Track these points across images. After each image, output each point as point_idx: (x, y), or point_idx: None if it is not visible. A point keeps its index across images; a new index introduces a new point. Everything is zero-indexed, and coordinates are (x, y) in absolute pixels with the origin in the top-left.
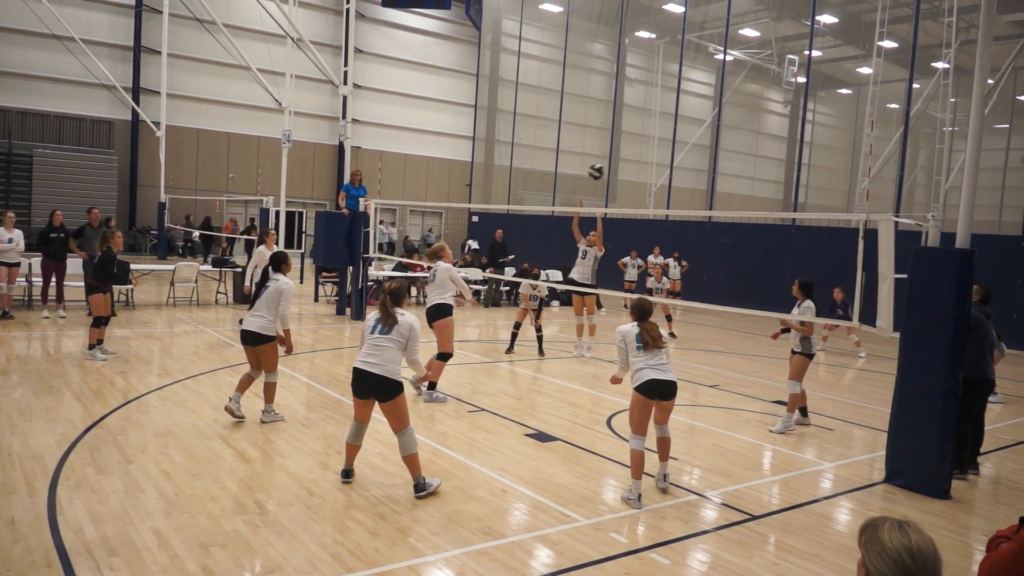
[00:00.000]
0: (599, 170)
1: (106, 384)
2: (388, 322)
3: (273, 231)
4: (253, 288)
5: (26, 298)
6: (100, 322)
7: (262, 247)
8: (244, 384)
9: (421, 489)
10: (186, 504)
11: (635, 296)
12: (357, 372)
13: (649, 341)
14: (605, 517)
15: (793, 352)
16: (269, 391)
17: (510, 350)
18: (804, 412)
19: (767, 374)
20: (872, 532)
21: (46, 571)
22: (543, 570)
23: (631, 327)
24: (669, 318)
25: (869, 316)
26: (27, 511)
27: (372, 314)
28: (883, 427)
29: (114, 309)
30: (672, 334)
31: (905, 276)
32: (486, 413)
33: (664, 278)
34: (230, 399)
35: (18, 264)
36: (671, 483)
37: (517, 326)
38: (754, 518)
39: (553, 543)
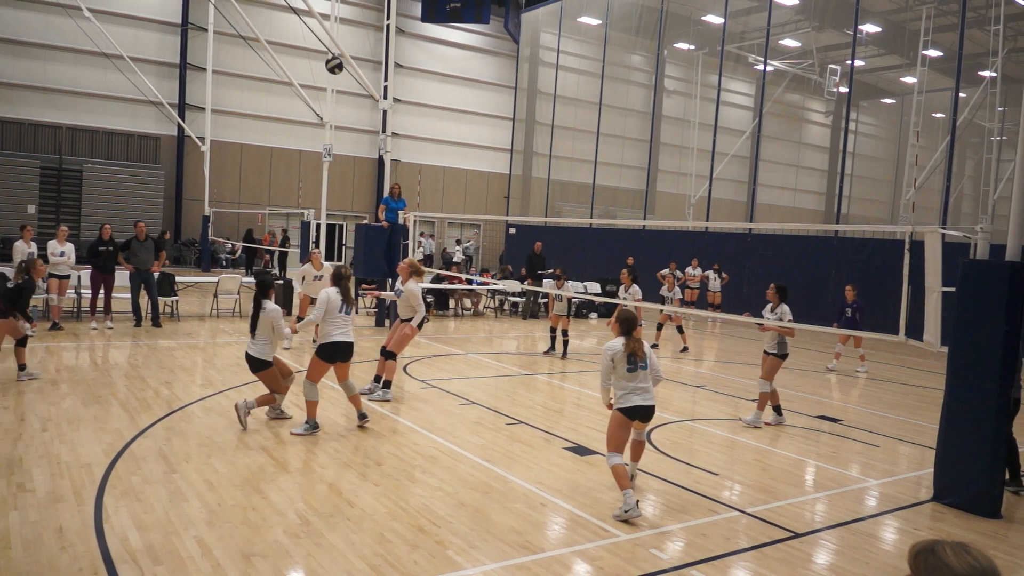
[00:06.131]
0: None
1: (151, 394)
2: (351, 303)
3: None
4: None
5: (75, 310)
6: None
7: (308, 265)
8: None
9: (364, 418)
10: (228, 514)
11: (621, 309)
12: (343, 344)
13: (633, 360)
14: (645, 532)
15: (766, 353)
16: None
17: (550, 351)
18: (778, 411)
19: (810, 388)
20: (932, 558)
21: None
22: None
23: (620, 344)
24: (680, 329)
25: (916, 330)
26: (75, 519)
27: (333, 293)
28: (931, 444)
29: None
30: (685, 348)
31: (953, 289)
32: (524, 425)
33: (676, 288)
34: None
35: (68, 277)
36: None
37: (552, 330)
38: (797, 536)
39: (592, 558)
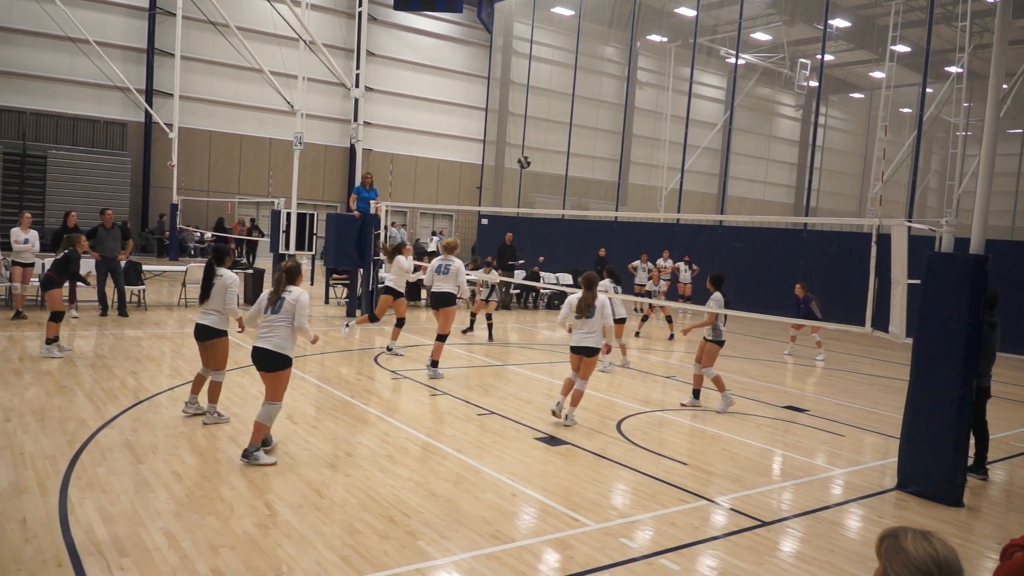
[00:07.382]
0: (526, 160)
1: (117, 384)
2: (278, 300)
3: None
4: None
5: (39, 298)
6: None
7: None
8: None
9: (247, 455)
10: (196, 505)
11: (588, 272)
12: (255, 350)
13: (583, 308)
14: (615, 522)
15: (705, 339)
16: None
17: (468, 330)
18: (696, 395)
19: (777, 379)
20: (894, 542)
21: (57, 571)
22: (552, 574)
23: (576, 298)
24: (669, 319)
25: (882, 321)
26: (39, 510)
27: (265, 292)
28: (895, 433)
29: None
30: (671, 336)
31: (918, 282)
32: (496, 416)
33: (662, 281)
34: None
35: (32, 264)
36: (573, 421)
37: (473, 315)
38: (764, 524)
39: (562, 547)
